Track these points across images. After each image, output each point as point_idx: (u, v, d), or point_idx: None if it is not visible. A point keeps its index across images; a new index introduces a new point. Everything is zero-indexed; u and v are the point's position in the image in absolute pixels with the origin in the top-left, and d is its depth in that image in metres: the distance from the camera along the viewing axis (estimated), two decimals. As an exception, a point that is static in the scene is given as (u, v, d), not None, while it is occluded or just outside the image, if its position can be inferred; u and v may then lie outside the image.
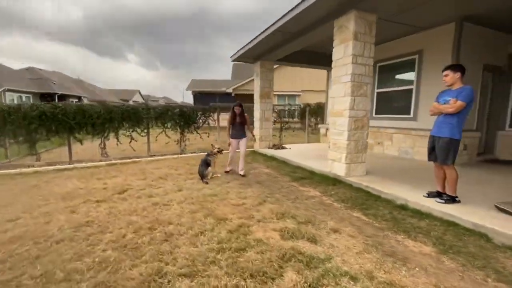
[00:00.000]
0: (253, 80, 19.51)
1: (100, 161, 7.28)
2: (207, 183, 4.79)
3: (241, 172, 5.19)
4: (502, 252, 2.26)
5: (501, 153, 6.27)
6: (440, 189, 3.31)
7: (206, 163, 5.10)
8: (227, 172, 5.43)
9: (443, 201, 3.11)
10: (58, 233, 2.82)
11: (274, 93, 20.03)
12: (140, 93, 46.41)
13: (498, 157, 6.26)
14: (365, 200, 3.60)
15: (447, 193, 3.16)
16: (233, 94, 19.12)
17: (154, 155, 8.15)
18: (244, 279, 1.94)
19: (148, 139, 8.32)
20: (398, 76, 6.96)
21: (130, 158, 7.66)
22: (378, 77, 7.27)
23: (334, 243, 2.48)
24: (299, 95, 19.13)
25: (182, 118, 8.68)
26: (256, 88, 8.02)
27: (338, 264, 2.12)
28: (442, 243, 2.42)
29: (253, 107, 8.43)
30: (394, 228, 2.78)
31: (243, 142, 5.29)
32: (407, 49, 6.38)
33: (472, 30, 5.42)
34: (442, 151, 3.09)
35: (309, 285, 1.85)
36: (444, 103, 3.10)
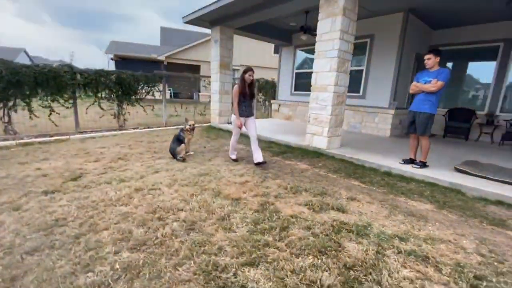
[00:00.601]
0: (189, 48, 17.89)
1: (5, 140, 5.46)
2: (184, 160, 4.26)
3: (260, 159, 3.90)
4: (477, 202, 2.89)
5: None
6: (413, 157, 3.93)
7: (178, 140, 4.47)
8: (235, 160, 4.23)
9: (418, 166, 3.72)
10: (20, 240, 2.00)
11: (213, 65, 19.10)
12: (26, 52, 35.79)
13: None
14: (354, 169, 3.94)
15: (421, 159, 3.78)
16: (165, 63, 17.04)
17: (84, 131, 6.64)
18: (316, 256, 1.85)
19: (76, 112, 6.66)
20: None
21: (50, 135, 6.02)
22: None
23: (361, 210, 2.63)
24: (237, 69, 18.69)
25: (120, 87, 7.25)
26: (214, 57, 7.32)
27: (381, 229, 2.27)
28: (436, 201, 2.91)
29: (192, 78, 7.75)
30: (393, 192, 3.16)
31: (253, 121, 4.05)
32: (361, 32, 6.96)
33: (413, 22, 6.33)
34: (422, 124, 3.63)
35: (377, 252, 1.92)
36: (425, 83, 3.59)
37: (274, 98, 11.54)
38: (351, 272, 1.70)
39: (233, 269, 1.72)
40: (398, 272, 1.71)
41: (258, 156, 3.91)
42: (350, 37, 4.40)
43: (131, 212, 2.47)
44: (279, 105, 9.58)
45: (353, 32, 4.45)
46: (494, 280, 1.68)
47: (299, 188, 3.13)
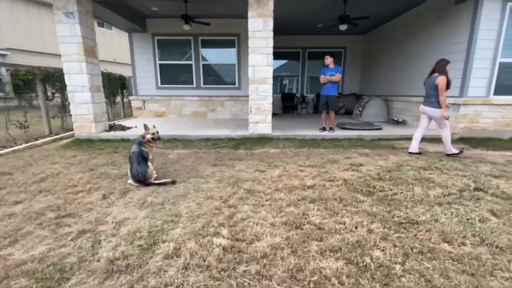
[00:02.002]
0: None
1: None
2: (173, 182, 3.18)
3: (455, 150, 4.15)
4: (374, 141, 5.18)
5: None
6: (324, 125, 5.76)
7: (143, 158, 3.19)
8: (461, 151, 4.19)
9: (333, 131, 5.60)
10: None
11: None
12: None
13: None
14: (305, 142, 5.08)
15: (330, 126, 5.69)
16: None
17: None
18: (416, 184, 2.89)
19: None
20: (221, 52, 8.22)
21: None
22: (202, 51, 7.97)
23: (366, 162, 3.90)
24: (5, 54, 12.00)
25: None
26: (70, 38, 4.79)
27: (396, 165, 3.69)
28: (365, 146, 4.85)
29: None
30: (347, 148, 4.73)
31: None
32: (229, 30, 7.79)
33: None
34: (333, 103, 5.44)
35: (422, 178, 3.31)
36: (331, 76, 5.38)
37: (113, 95, 9.45)
38: (435, 184, 2.97)
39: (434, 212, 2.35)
40: (443, 180, 3.20)
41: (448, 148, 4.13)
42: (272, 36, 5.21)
43: (281, 246, 2.00)
44: (144, 101, 8.19)
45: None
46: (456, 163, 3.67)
47: (314, 164, 3.79)
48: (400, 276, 1.61)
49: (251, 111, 5.35)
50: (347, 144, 5.05)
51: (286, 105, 10.12)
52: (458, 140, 5.25)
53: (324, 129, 5.84)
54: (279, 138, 5.41)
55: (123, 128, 5.90)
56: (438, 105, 3.92)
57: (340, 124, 6.41)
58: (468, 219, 2.24)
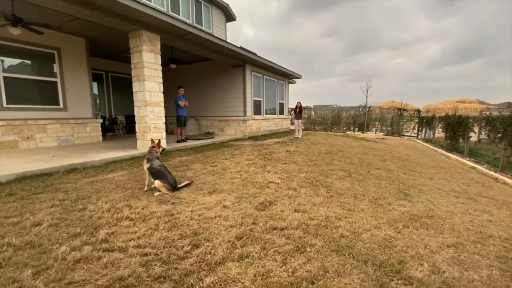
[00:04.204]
0: None
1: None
2: (192, 182, 4.07)
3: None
4: (228, 141, 8.17)
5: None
6: (179, 138, 7.63)
7: (164, 167, 3.83)
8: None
9: (185, 141, 7.69)
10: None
11: None
12: None
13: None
14: (197, 149, 6.81)
15: (182, 138, 7.70)
16: None
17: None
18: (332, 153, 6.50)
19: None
20: (35, 64, 6.19)
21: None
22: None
23: (260, 149, 6.87)
24: None
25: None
26: None
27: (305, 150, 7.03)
28: (231, 146, 7.74)
29: None
30: (225, 148, 7.29)
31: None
32: (44, 41, 6.33)
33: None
34: (187, 121, 7.54)
35: (294, 150, 6.95)
36: (185, 101, 7.44)
37: None
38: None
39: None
40: (296, 146, 7.07)
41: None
42: (159, 67, 6.17)
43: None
44: None
45: (160, 63, 6.18)
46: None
47: (248, 155, 6.14)
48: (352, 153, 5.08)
49: (150, 130, 5.92)
50: (220, 146, 7.61)
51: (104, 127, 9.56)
52: (249, 138, 9.88)
53: (179, 141, 7.67)
54: (173, 150, 6.54)
55: None
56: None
57: (192, 136, 8.58)
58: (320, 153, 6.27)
